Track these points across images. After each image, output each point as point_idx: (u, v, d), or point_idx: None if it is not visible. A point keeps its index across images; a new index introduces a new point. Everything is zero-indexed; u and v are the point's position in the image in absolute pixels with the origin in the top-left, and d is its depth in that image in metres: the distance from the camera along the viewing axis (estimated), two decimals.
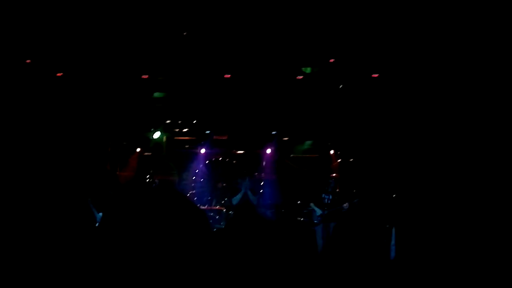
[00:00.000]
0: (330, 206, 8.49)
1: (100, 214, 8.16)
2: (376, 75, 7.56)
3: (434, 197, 7.82)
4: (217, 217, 10.37)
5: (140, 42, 7.47)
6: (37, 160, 9.11)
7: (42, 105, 8.67)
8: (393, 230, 7.99)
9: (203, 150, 11.60)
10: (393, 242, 7.83)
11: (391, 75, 7.65)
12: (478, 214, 6.85)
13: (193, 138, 11.61)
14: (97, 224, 8.12)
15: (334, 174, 9.15)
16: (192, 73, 8.20)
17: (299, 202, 10.86)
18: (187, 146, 11.81)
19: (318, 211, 8.52)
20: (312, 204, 8.72)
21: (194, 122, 11.08)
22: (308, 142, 11.25)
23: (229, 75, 7.97)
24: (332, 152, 11.26)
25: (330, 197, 8.62)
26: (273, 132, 11.12)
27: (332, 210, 8.42)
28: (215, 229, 9.57)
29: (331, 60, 7.47)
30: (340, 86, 8.22)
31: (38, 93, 8.40)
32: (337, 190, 8.68)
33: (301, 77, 7.82)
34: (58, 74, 7.94)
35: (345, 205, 8.35)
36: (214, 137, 11.36)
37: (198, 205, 10.25)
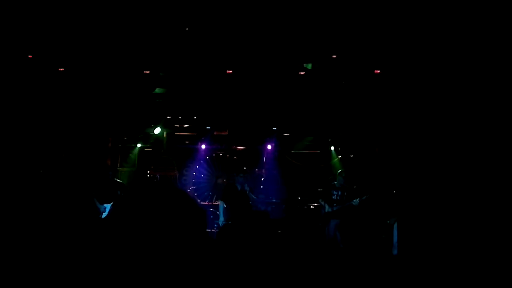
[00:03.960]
0: (339, 202, 8.51)
1: (104, 205, 8.18)
2: (378, 71, 7.56)
3: (435, 193, 7.84)
4: (217, 213, 10.39)
5: (142, 37, 7.45)
6: (38, 155, 9.11)
7: (44, 100, 8.67)
8: (395, 226, 8.01)
9: (203, 146, 11.61)
10: (395, 238, 7.85)
11: (393, 72, 7.64)
12: (479, 210, 6.87)
13: (194, 133, 11.62)
14: (100, 215, 8.15)
15: (341, 170, 9.12)
16: (193, 68, 8.19)
17: (299, 198, 10.89)
18: (187, 142, 11.82)
19: (327, 207, 8.54)
20: (321, 200, 8.72)
21: (194, 118, 11.08)
22: (309, 138, 11.26)
23: (231, 71, 7.95)
24: (332, 148, 11.27)
25: (339, 193, 8.62)
26: (274, 128, 11.13)
27: (341, 206, 8.45)
28: (216, 225, 9.59)
29: (334, 56, 7.46)
30: (342, 82, 8.21)
31: (40, 89, 8.39)
32: (347, 185, 8.68)
33: (303, 73, 7.82)
34: (60, 70, 7.92)
35: (355, 201, 8.36)
36: (215, 133, 11.37)
37: (199, 201, 10.27)
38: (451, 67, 7.13)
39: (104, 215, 8.11)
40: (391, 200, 9.00)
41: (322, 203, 8.65)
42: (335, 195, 8.59)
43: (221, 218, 8.22)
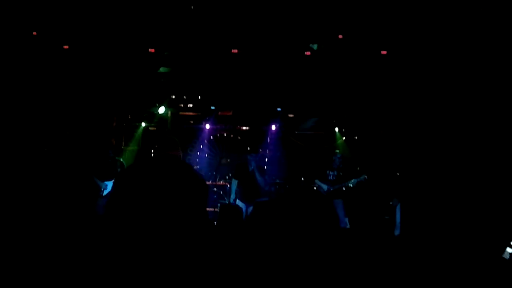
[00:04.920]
0: (335, 183, 8.52)
1: (105, 182, 8.23)
2: (385, 52, 7.49)
3: (438, 175, 7.85)
4: (221, 192, 10.45)
5: (146, 15, 7.40)
6: (43, 133, 9.14)
7: (48, 78, 8.66)
8: (398, 207, 8.04)
9: (207, 126, 11.62)
10: (398, 219, 7.89)
11: (400, 53, 7.58)
12: (482, 193, 6.89)
13: (198, 113, 11.62)
14: (102, 193, 8.21)
15: (337, 151, 9.12)
16: (198, 48, 8.14)
17: (303, 178, 10.92)
18: (191, 122, 11.83)
19: (324, 187, 8.55)
20: (317, 181, 8.73)
21: (199, 97, 11.06)
22: (313, 119, 11.24)
23: (236, 50, 7.90)
24: (337, 129, 11.25)
25: (335, 173, 8.63)
26: (278, 109, 11.11)
27: (337, 187, 8.44)
28: (219, 204, 9.65)
29: (340, 37, 7.40)
30: (348, 63, 8.15)
31: (44, 66, 8.38)
32: (342, 166, 8.66)
33: (308, 53, 7.76)
34: (65, 47, 7.89)
35: (353, 181, 8.37)
36: (219, 113, 11.36)
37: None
38: (460, 48, 7.06)
39: (105, 192, 8.16)
40: (394, 182, 9.01)
41: (318, 183, 8.65)
42: (331, 176, 8.59)
43: (233, 196, 8.28)
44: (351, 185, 8.37)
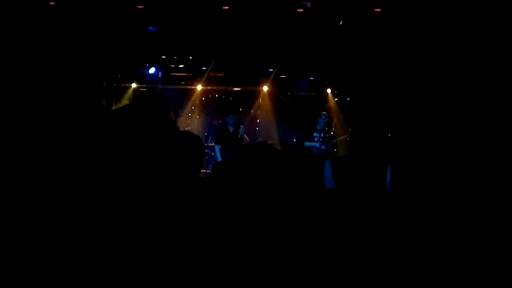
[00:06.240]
0: (321, 144, 8.52)
1: None
2: (379, 10, 7.35)
3: (430, 137, 7.86)
4: (212, 154, 10.43)
5: None
6: (28, 94, 8.99)
7: (33, 36, 8.44)
8: (388, 168, 8.07)
9: (199, 87, 11.49)
10: (388, 179, 7.94)
11: (395, 11, 7.44)
12: (473, 155, 6.91)
13: (189, 74, 11.47)
14: None
15: (324, 112, 9.05)
16: (189, 5, 7.95)
17: (294, 140, 10.91)
18: (183, 83, 11.69)
19: (313, 148, 8.54)
20: (306, 143, 8.72)
21: (190, 58, 10.90)
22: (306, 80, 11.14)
23: (227, 7, 7.72)
24: (329, 90, 11.17)
25: (322, 135, 8.62)
26: (270, 70, 10.98)
27: (324, 148, 8.46)
28: (210, 166, 9.63)
29: None
30: (341, 22, 8.01)
31: (29, 24, 8.15)
32: (327, 128, 8.65)
33: (301, 10, 7.60)
34: (51, 3, 7.66)
35: (322, 147, 8.33)
36: (210, 73, 11.21)
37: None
38: (457, 8, 6.94)
39: None
40: (385, 143, 9.03)
41: (307, 144, 8.62)
42: (316, 138, 8.58)
43: (219, 160, 8.22)
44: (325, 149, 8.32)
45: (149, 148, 1.74)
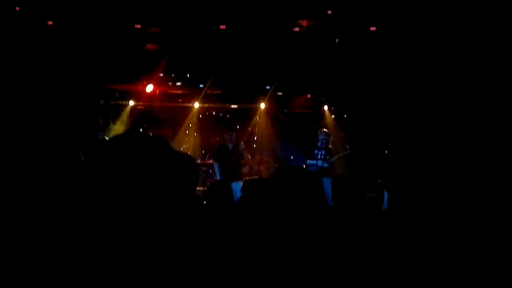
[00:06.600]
0: (323, 161, 8.51)
1: None
2: (374, 29, 7.43)
3: (426, 153, 7.89)
4: (210, 171, 10.42)
5: None
6: (28, 112, 9.01)
7: (32, 55, 8.48)
8: (386, 185, 8.06)
9: (196, 104, 11.53)
10: (385, 198, 7.92)
11: (389, 29, 7.52)
12: (469, 170, 6.93)
13: (187, 92, 11.51)
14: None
15: (324, 129, 9.08)
16: (186, 24, 8.02)
17: (292, 157, 10.92)
18: (180, 100, 11.72)
19: (313, 167, 8.52)
20: (308, 161, 8.68)
21: (187, 75, 10.95)
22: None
23: (224, 26, 7.80)
24: (326, 107, 11.23)
25: (323, 152, 8.62)
26: (267, 87, 11.04)
27: (326, 165, 8.45)
28: (208, 184, 9.62)
29: (329, 12, 7.31)
30: (337, 40, 8.09)
31: (28, 43, 8.20)
32: (328, 145, 8.63)
33: (297, 29, 7.68)
34: (49, 23, 7.72)
35: (323, 164, 8.33)
36: (208, 91, 11.26)
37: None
38: (449, 27, 7.02)
39: None
40: (382, 160, 9.04)
41: (309, 163, 8.58)
42: (318, 154, 8.57)
43: (218, 178, 8.19)
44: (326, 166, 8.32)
45: (141, 173, 1.74)
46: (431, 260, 2.48)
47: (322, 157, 8.56)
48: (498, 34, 6.66)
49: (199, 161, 10.67)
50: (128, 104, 11.39)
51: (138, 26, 7.90)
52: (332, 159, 8.45)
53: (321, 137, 8.62)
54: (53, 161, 8.63)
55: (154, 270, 1.59)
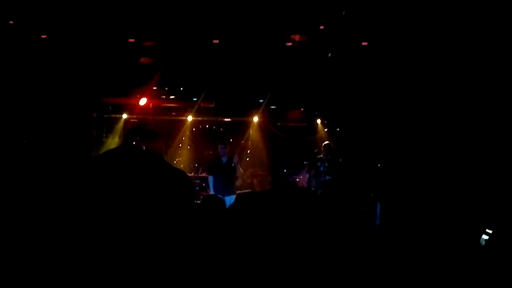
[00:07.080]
0: (326, 174, 8.52)
1: None
2: (366, 43, 7.51)
3: (419, 166, 7.93)
4: (203, 185, 10.41)
5: (127, 5, 7.29)
6: (21, 125, 8.98)
7: (26, 68, 8.49)
8: (379, 198, 8.08)
9: (189, 117, 11.55)
10: (378, 211, 7.93)
11: (381, 44, 7.61)
12: (463, 183, 6.97)
13: (180, 105, 11.53)
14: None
15: (326, 142, 9.10)
16: (180, 38, 8.06)
17: (285, 170, 10.94)
18: (173, 113, 11.75)
19: (315, 183, 8.53)
20: (313, 180, 8.66)
21: (181, 89, 10.98)
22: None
23: (217, 41, 7.85)
24: (319, 121, 11.29)
25: (326, 164, 8.62)
26: (260, 100, 11.09)
27: (330, 179, 8.46)
28: (201, 197, 9.60)
29: (321, 27, 7.39)
30: (329, 54, 8.16)
31: (22, 56, 8.21)
32: (330, 156, 8.65)
33: (290, 43, 7.75)
34: (43, 37, 7.73)
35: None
36: (201, 104, 11.30)
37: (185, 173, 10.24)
38: (441, 40, 7.11)
39: None
40: (375, 173, 9.07)
41: (314, 183, 8.56)
42: (321, 167, 8.58)
43: (212, 192, 8.18)
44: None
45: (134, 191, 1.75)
46: (426, 272, 2.50)
47: (325, 169, 8.57)
48: (491, 56, 6.75)
49: (192, 174, 10.66)
50: (122, 117, 11.39)
51: (132, 40, 7.93)
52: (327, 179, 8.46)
53: (323, 149, 8.65)
54: (45, 173, 8.57)
55: (146, 283, 1.59)
